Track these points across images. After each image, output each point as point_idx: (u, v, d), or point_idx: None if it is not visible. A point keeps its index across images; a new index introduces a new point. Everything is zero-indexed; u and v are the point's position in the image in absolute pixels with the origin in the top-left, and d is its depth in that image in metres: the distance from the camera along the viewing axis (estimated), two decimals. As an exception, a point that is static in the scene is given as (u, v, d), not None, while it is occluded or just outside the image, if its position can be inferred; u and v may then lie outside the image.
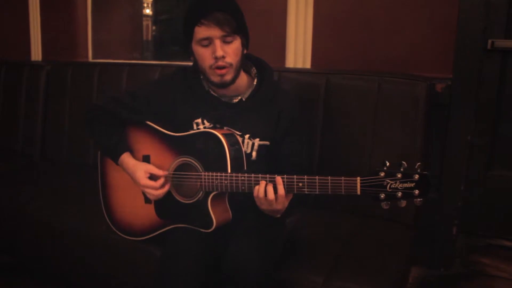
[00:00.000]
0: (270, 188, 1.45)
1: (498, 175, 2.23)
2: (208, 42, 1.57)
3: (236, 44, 1.60)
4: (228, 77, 1.61)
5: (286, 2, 2.38)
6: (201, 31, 1.56)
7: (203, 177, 1.56)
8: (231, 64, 1.59)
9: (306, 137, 1.86)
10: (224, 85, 1.63)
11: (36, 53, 3.30)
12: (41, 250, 2.19)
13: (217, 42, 1.56)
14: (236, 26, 1.57)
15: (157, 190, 1.65)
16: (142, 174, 1.66)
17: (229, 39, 1.57)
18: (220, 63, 1.57)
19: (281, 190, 1.45)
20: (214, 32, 1.55)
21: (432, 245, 2.27)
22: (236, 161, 1.55)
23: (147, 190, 1.66)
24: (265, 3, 2.46)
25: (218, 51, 1.56)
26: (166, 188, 1.66)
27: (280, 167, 1.64)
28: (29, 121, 3.01)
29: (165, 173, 1.66)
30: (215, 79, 1.62)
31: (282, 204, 1.48)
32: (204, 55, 1.59)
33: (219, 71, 1.59)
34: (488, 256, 2.25)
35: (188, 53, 1.67)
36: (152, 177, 1.66)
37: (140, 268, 1.86)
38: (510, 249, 2.25)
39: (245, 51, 1.67)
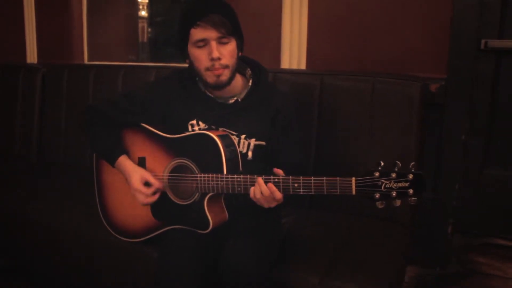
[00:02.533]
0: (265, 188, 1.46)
1: (493, 174, 2.23)
2: (204, 43, 1.58)
3: (231, 46, 1.60)
4: (224, 78, 1.62)
5: (281, 3, 2.39)
6: (197, 33, 1.57)
7: (199, 178, 1.57)
8: (227, 66, 1.60)
9: (301, 137, 1.86)
10: (220, 86, 1.64)
11: (32, 56, 3.30)
12: (38, 252, 2.19)
13: (213, 44, 1.57)
14: (231, 28, 1.58)
15: (147, 196, 1.67)
16: (138, 178, 1.67)
17: (224, 40, 1.58)
18: (217, 65, 1.58)
19: (278, 195, 1.46)
20: (210, 33, 1.56)
21: (428, 245, 2.28)
22: (231, 162, 1.56)
23: (137, 194, 1.68)
24: (260, 4, 2.47)
25: (214, 53, 1.56)
26: (156, 196, 1.68)
27: (276, 167, 1.65)
28: (26, 123, 3.01)
29: (160, 184, 1.67)
30: (211, 80, 1.63)
31: (279, 195, 1.48)
32: (200, 57, 1.60)
33: (215, 72, 1.60)
34: (483, 254, 2.26)
35: (184, 56, 1.68)
36: (147, 184, 1.68)
37: (138, 270, 1.86)
38: (505, 248, 2.26)
39: (240, 54, 1.68)
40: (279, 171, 1.49)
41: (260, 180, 1.47)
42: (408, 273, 2.22)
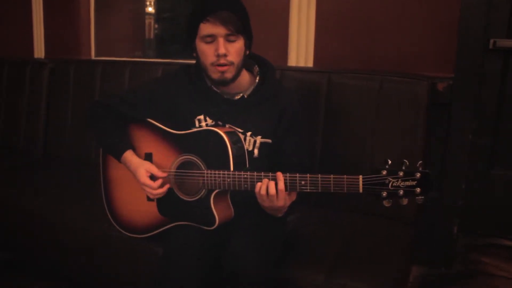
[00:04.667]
0: (271, 184, 1.46)
1: (499, 174, 2.23)
2: (212, 39, 1.58)
3: (239, 44, 1.60)
4: (229, 75, 1.62)
5: (289, 0, 2.38)
6: (206, 28, 1.57)
7: (205, 175, 1.57)
8: (232, 63, 1.60)
9: (307, 135, 1.86)
10: (224, 82, 1.64)
11: (39, 51, 3.31)
12: (42, 247, 2.20)
13: (221, 40, 1.57)
14: (240, 26, 1.58)
15: (154, 190, 1.66)
16: (143, 172, 1.67)
17: (232, 38, 1.58)
18: (222, 61, 1.58)
19: (281, 185, 1.46)
20: (218, 30, 1.55)
21: (433, 244, 2.27)
22: (238, 159, 1.56)
23: (146, 189, 1.68)
24: (268, 1, 2.47)
25: (221, 49, 1.56)
26: (165, 188, 1.67)
27: (282, 165, 1.65)
28: (32, 118, 3.02)
29: (164, 174, 1.67)
30: (216, 75, 1.63)
31: (283, 200, 1.48)
32: (207, 52, 1.60)
33: (220, 68, 1.60)
34: (488, 255, 2.26)
35: (191, 50, 1.68)
36: (153, 176, 1.68)
37: (142, 266, 1.87)
38: (511, 249, 2.25)
39: (247, 52, 1.68)
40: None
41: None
42: (412, 272, 2.22)
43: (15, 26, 3.39)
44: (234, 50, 1.60)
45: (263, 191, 1.47)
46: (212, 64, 1.61)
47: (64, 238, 2.09)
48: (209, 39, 1.58)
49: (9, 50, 3.39)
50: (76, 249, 2.07)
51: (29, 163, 2.90)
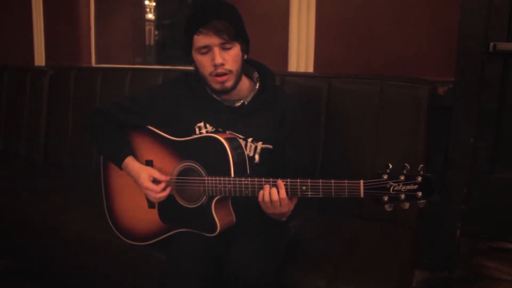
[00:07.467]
0: (274, 191, 1.46)
1: (501, 178, 2.23)
2: (207, 50, 1.58)
3: (235, 51, 1.60)
4: (229, 84, 1.62)
5: (288, 6, 2.38)
6: (200, 40, 1.57)
7: (206, 181, 1.57)
8: (230, 71, 1.60)
9: (308, 140, 1.86)
10: (225, 91, 1.64)
11: (40, 58, 3.32)
12: (43, 253, 2.20)
13: (216, 50, 1.57)
14: (234, 33, 1.58)
15: (157, 193, 1.66)
16: (145, 177, 1.67)
17: (228, 46, 1.58)
18: (220, 70, 1.58)
19: (282, 194, 1.45)
20: (212, 40, 1.55)
21: (436, 248, 2.27)
22: (239, 165, 1.56)
23: (148, 192, 1.67)
24: (267, 7, 2.47)
25: (217, 59, 1.56)
26: (167, 191, 1.67)
27: (283, 170, 1.65)
28: (33, 125, 3.03)
29: (167, 178, 1.67)
30: (216, 86, 1.63)
31: (287, 206, 1.48)
32: (204, 63, 1.60)
33: (219, 78, 1.60)
34: (491, 259, 2.25)
35: (190, 60, 1.68)
36: (155, 181, 1.67)
37: (144, 272, 1.86)
38: (514, 252, 2.25)
39: (245, 57, 1.68)
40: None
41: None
42: (415, 277, 2.21)
43: (15, 33, 3.40)
44: (231, 57, 1.59)
45: (266, 198, 1.47)
46: (211, 74, 1.61)
47: (65, 245, 2.09)
48: (204, 50, 1.58)
49: (9, 58, 3.40)
50: (78, 256, 2.06)
51: (30, 170, 2.90)
